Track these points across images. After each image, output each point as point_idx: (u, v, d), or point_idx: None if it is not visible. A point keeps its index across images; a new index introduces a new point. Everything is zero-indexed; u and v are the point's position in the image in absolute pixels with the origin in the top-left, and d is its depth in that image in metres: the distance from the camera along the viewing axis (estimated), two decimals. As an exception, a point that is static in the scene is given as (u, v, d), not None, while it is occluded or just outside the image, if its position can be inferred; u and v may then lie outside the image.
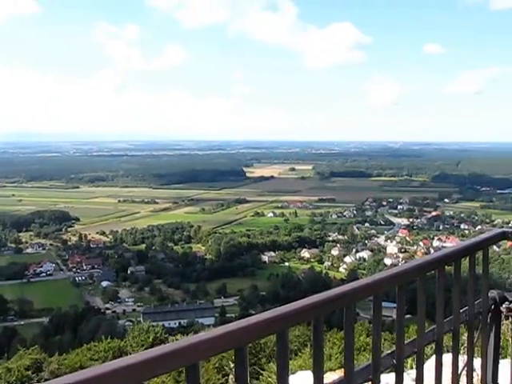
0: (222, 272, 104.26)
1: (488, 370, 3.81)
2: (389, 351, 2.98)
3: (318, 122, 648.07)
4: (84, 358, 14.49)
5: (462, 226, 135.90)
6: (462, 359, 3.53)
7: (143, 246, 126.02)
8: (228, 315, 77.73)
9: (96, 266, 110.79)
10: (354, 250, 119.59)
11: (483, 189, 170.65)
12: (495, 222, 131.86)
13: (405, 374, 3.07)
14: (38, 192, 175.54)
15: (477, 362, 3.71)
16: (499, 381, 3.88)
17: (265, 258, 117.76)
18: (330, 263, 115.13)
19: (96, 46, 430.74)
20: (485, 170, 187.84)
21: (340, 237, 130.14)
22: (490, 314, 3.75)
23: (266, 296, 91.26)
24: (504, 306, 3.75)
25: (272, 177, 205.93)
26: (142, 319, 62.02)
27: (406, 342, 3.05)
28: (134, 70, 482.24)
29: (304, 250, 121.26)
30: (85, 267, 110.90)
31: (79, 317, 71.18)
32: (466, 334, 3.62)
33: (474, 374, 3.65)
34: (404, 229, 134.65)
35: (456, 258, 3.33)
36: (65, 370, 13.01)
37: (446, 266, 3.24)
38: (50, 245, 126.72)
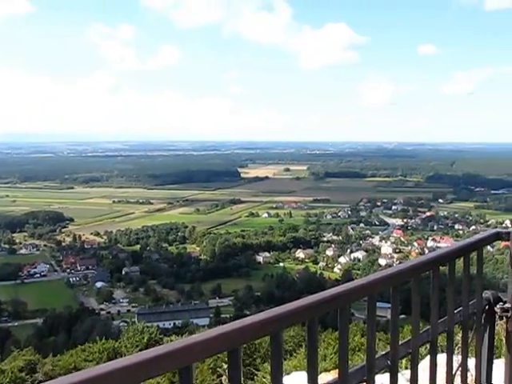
0: (217, 272, 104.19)
1: (482, 370, 3.82)
2: (383, 352, 2.98)
3: (312, 122, 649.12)
4: (78, 359, 14.43)
5: (456, 227, 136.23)
6: (457, 359, 3.54)
7: (138, 246, 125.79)
8: (223, 316, 77.69)
9: (90, 267, 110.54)
10: (348, 251, 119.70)
11: (477, 189, 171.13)
12: (489, 223, 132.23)
13: (399, 375, 3.07)
14: (32, 193, 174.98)
15: (471, 362, 3.72)
16: (493, 381, 3.90)
17: (259, 258, 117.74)
18: (324, 263, 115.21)
19: (90, 46, 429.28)
20: (479, 170, 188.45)
21: (335, 237, 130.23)
22: (484, 315, 3.76)
23: (260, 296, 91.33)
24: (498, 306, 3.76)
25: (267, 177, 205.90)
26: (136, 320, 61.88)
27: (400, 342, 3.05)
28: (129, 70, 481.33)
29: (299, 250, 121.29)
30: (79, 268, 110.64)
31: (73, 318, 71.00)
32: (460, 335, 3.63)
33: (468, 374, 3.66)
34: (398, 229, 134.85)
35: (450, 259, 3.34)
36: (59, 372, 12.98)
37: (440, 267, 3.25)
38: (44, 245, 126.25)
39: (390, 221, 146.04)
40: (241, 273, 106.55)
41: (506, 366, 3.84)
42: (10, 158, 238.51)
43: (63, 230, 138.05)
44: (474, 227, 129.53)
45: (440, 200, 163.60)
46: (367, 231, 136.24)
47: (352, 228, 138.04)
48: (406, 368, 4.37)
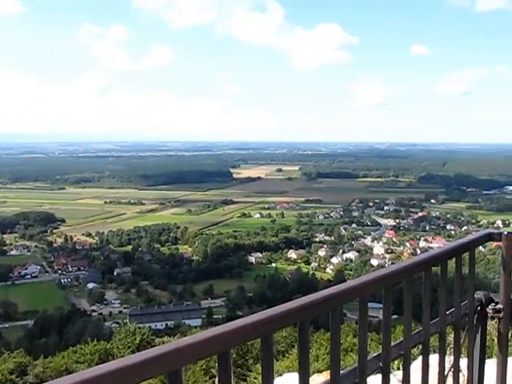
0: (209, 273, 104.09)
1: (474, 370, 3.82)
2: (375, 354, 2.97)
3: (304, 122, 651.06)
4: (70, 361, 14.35)
5: (448, 227, 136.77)
6: (449, 360, 3.54)
7: (129, 247, 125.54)
8: (215, 316, 77.64)
9: (82, 268, 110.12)
10: (340, 251, 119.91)
11: (469, 189, 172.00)
12: (481, 223, 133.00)
13: (391, 375, 3.06)
14: (23, 193, 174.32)
15: (463, 363, 3.72)
16: (485, 381, 3.90)
17: (252, 259, 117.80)
18: (316, 264, 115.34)
19: (82, 46, 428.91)
20: (471, 170, 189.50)
21: (327, 238, 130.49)
22: (476, 316, 3.76)
23: (252, 297, 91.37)
24: (490, 307, 3.77)
25: (259, 178, 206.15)
26: (128, 321, 61.44)
27: (392, 344, 3.04)
28: (121, 70, 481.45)
29: (291, 250, 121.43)
30: (70, 269, 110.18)
31: (65, 319, 70.58)
32: (452, 335, 3.63)
33: (460, 374, 3.66)
34: (390, 229, 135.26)
35: (442, 260, 3.33)
36: (50, 374, 12.91)
37: (432, 267, 3.25)
38: (35, 246, 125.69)
39: (382, 221, 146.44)
40: (233, 273, 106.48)
41: (497, 366, 3.84)
42: (0, 159, 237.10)
43: (54, 230, 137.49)
44: (465, 227, 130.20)
45: (432, 200, 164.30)
46: (359, 232, 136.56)
47: (344, 228, 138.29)
48: (398, 369, 4.37)
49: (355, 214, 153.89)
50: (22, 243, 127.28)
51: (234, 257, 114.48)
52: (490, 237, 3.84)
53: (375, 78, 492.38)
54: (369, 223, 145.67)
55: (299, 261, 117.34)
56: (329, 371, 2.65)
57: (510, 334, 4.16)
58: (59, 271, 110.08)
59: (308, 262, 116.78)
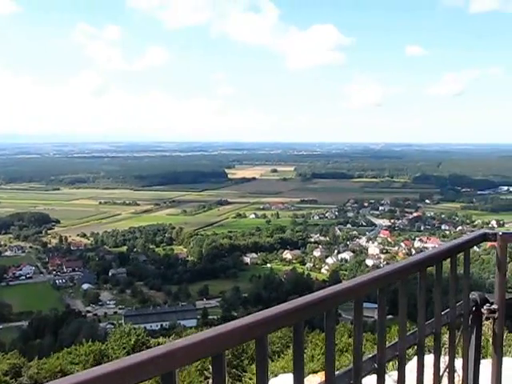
0: (204, 274, 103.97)
1: (469, 370, 3.83)
2: (370, 355, 2.97)
3: (299, 123, 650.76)
4: (64, 362, 14.30)
5: (443, 227, 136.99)
6: (444, 360, 3.54)
7: (124, 248, 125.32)
8: (210, 317, 77.55)
9: (76, 269, 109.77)
10: (335, 251, 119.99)
11: (464, 190, 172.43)
12: (475, 223, 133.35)
13: (386, 376, 3.06)
14: (17, 194, 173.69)
15: (458, 363, 3.72)
16: (480, 381, 3.90)
17: (247, 259, 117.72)
18: (311, 264, 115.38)
19: (77, 47, 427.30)
20: (465, 171, 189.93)
21: (322, 238, 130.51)
22: (471, 316, 3.77)
23: (248, 298, 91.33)
24: (485, 307, 3.77)
25: (254, 178, 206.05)
26: (123, 322, 61.27)
27: (387, 345, 3.04)
28: (116, 70, 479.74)
29: (286, 251, 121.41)
30: (65, 270, 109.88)
31: (59, 320, 70.40)
32: (447, 335, 3.63)
33: (456, 374, 3.66)
34: (385, 230, 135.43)
35: (438, 260, 3.33)
36: (44, 375, 12.86)
37: (427, 268, 3.25)
38: (30, 247, 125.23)
39: (377, 221, 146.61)
40: (228, 274, 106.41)
41: (492, 366, 3.85)
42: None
43: (49, 231, 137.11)
44: (460, 227, 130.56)
45: (427, 201, 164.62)
46: (354, 232, 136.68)
47: (339, 229, 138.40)
48: (393, 369, 4.37)
49: (350, 214, 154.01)
50: (16, 244, 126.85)
51: (229, 257, 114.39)
52: (484, 237, 3.85)
53: (370, 78, 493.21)
54: (364, 223, 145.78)
55: (294, 261, 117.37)
56: (324, 372, 2.65)
57: (504, 335, 4.17)
58: (54, 272, 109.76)
59: (303, 263, 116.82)
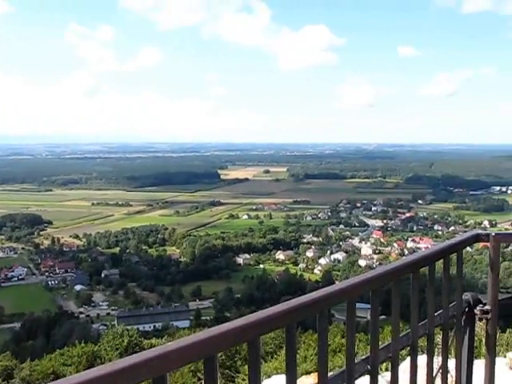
0: (197, 275, 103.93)
1: (462, 371, 3.83)
2: (363, 357, 2.96)
3: (292, 123, 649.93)
4: (57, 364, 14.24)
5: (436, 227, 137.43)
6: (437, 361, 3.54)
7: (117, 249, 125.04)
8: (203, 318, 77.46)
9: (69, 270, 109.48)
10: (328, 252, 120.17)
11: (456, 190, 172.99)
12: (468, 223, 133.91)
13: (379, 377, 3.06)
14: (10, 195, 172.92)
15: (451, 364, 3.72)
16: (473, 382, 3.90)
17: (239, 260, 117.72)
18: (304, 265, 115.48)
19: (69, 47, 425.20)
20: (457, 171, 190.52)
21: (315, 238, 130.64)
22: (464, 317, 3.77)
23: (240, 298, 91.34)
24: (478, 308, 3.77)
25: (246, 179, 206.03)
26: (116, 323, 61.40)
27: (380, 346, 3.04)
28: (108, 71, 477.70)
29: (279, 252, 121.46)
30: (58, 271, 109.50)
31: (52, 321, 70.20)
32: (440, 336, 3.63)
33: (449, 375, 3.66)
34: (378, 230, 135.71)
35: (431, 261, 3.33)
36: (37, 377, 12.80)
37: (420, 269, 3.25)
38: (22, 249, 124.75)
39: (370, 222, 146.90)
40: (221, 275, 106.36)
41: (485, 366, 3.85)
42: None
43: (41, 232, 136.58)
44: (453, 228, 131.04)
45: (419, 201, 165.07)
46: (347, 232, 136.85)
47: (332, 229, 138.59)
48: (387, 370, 4.37)
49: (343, 214, 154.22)
50: (8, 245, 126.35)
51: (221, 258, 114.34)
52: (477, 238, 3.85)
53: (362, 79, 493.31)
54: (356, 224, 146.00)
55: (287, 262, 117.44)
56: (316, 373, 2.64)
57: (497, 335, 4.18)
58: (46, 273, 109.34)
59: (296, 263, 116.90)
